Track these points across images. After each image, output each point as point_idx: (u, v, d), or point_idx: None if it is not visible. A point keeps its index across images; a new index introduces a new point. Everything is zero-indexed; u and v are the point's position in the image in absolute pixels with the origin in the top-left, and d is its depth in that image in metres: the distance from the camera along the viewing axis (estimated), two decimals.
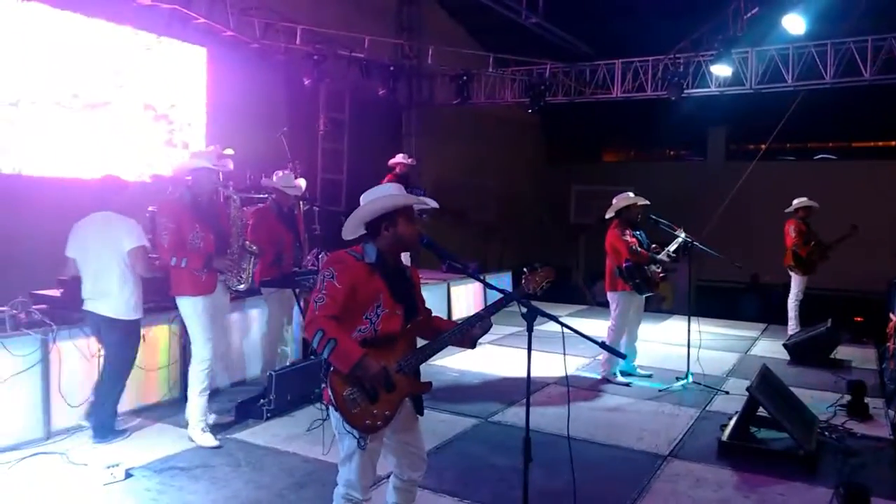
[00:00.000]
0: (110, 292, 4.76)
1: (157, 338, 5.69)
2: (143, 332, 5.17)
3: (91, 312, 4.83)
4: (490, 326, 3.10)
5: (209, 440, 4.85)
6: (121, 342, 4.88)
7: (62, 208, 6.96)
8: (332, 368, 2.84)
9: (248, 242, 5.16)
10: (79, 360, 5.04)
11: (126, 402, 5.37)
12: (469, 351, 6.87)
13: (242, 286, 5.06)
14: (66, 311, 5.09)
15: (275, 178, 6.14)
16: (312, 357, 5.96)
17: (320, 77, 9.98)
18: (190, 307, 4.84)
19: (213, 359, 4.93)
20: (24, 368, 4.69)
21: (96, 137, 7.72)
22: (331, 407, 2.91)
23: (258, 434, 5.09)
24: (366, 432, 2.87)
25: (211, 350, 4.88)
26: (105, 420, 4.89)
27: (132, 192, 5.23)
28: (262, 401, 5.43)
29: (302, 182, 6.58)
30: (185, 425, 5.02)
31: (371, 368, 2.79)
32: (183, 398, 5.73)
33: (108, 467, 4.23)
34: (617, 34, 11.56)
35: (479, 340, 3.14)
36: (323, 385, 2.93)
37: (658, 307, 11.62)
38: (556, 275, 3.13)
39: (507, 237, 15.17)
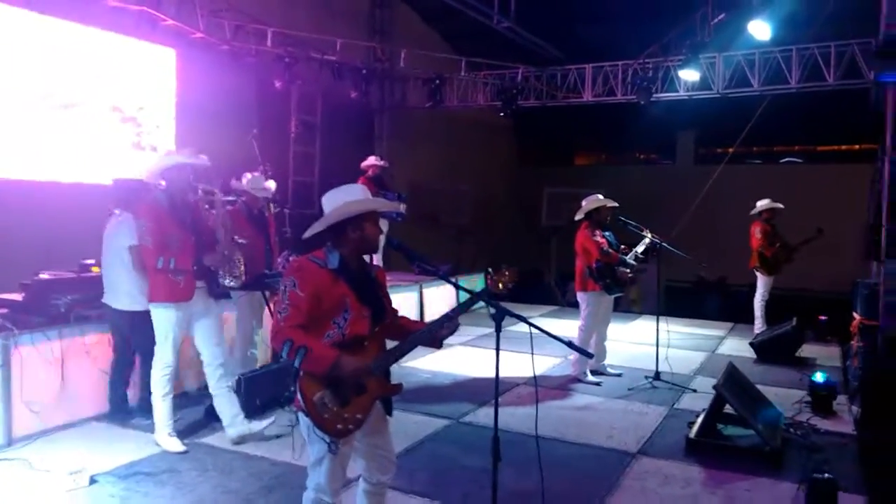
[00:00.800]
0: (119, 286, 5.13)
1: None
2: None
3: (106, 305, 5.20)
4: (457, 327, 3.09)
5: (176, 445, 4.78)
6: (131, 331, 5.22)
7: (28, 211, 6.91)
8: (301, 374, 2.81)
9: (235, 236, 5.11)
10: (41, 364, 4.94)
11: (89, 407, 5.29)
12: (440, 352, 6.86)
13: (235, 282, 4.94)
14: (29, 315, 4.99)
15: (244, 180, 6.09)
16: (281, 360, 5.90)
17: (291, 79, 9.92)
18: (162, 313, 4.72)
19: (175, 363, 4.83)
20: None
21: (64, 139, 7.59)
22: (300, 412, 2.88)
23: (225, 438, 5.01)
24: (337, 437, 2.84)
25: (174, 354, 4.77)
26: (144, 397, 5.25)
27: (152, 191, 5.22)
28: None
29: (271, 184, 6.53)
30: (149, 429, 4.94)
31: (349, 363, 2.77)
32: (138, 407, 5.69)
33: (72, 474, 4.15)
34: (587, 39, 11.71)
35: (449, 341, 3.14)
36: (292, 390, 2.90)
37: (628, 308, 11.75)
38: (520, 275, 3.13)
39: (479, 239, 15.21)
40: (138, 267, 5.04)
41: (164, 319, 4.73)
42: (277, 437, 5.01)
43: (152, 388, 4.83)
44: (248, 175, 6.19)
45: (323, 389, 2.80)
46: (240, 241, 5.14)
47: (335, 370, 2.74)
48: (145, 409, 5.20)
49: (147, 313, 4.88)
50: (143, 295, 4.94)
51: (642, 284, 11.76)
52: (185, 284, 4.68)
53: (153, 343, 4.87)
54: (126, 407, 5.43)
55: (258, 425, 4.97)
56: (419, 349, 3.12)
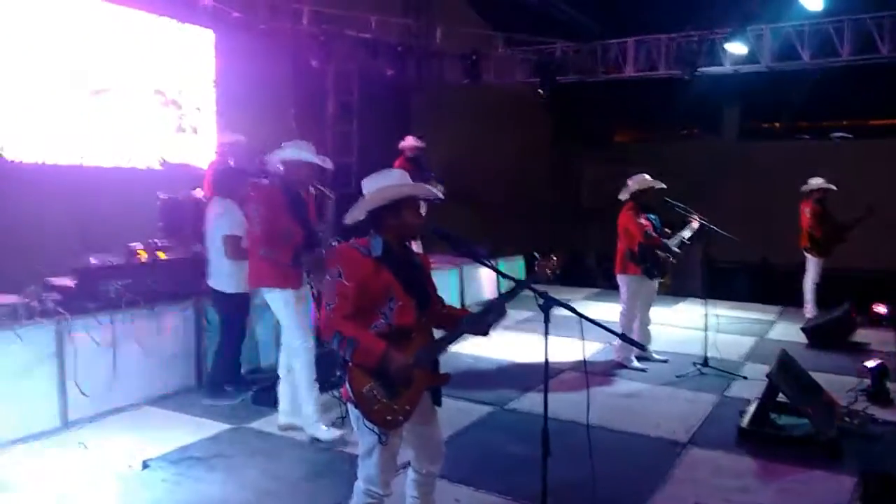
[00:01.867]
0: (219, 269, 5.38)
1: (173, 326, 5.67)
2: (164, 318, 5.58)
3: (210, 287, 5.49)
4: (505, 314, 3.05)
5: (331, 433, 4.69)
6: (226, 311, 5.52)
7: (71, 195, 7.02)
8: (350, 365, 2.81)
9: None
10: (94, 350, 5.04)
11: (141, 392, 5.38)
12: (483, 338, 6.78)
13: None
14: (81, 301, 5.07)
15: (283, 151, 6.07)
16: (326, 345, 5.91)
17: (327, 59, 9.85)
18: (280, 299, 4.67)
19: (312, 347, 4.74)
20: (40, 359, 4.68)
21: (105, 123, 7.66)
22: (350, 404, 2.88)
23: (274, 423, 5.06)
24: (387, 428, 2.83)
25: (310, 339, 4.70)
26: (214, 380, 5.50)
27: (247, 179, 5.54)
28: (277, 389, 5.40)
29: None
30: (200, 413, 5.02)
31: (396, 360, 2.76)
32: (198, 387, 5.78)
33: (125, 459, 4.23)
34: (629, 12, 11.36)
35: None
36: (338, 375, 2.90)
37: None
38: (567, 260, 3.08)
39: (517, 219, 15.06)
40: (231, 255, 5.26)
41: (281, 302, 4.66)
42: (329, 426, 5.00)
43: (298, 380, 4.74)
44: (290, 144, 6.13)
45: (371, 381, 2.79)
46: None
47: (383, 364, 2.74)
48: (212, 390, 5.47)
49: (244, 296, 5.20)
50: (242, 278, 5.16)
51: (682, 265, 11.55)
52: (295, 272, 4.62)
53: (243, 327, 5.21)
54: (221, 387, 5.52)
55: (324, 433, 4.73)
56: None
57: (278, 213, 4.54)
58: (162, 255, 5.89)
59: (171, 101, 8.44)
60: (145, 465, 4.29)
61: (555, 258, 3.01)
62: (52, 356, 4.77)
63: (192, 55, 8.69)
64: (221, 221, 5.35)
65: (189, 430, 4.91)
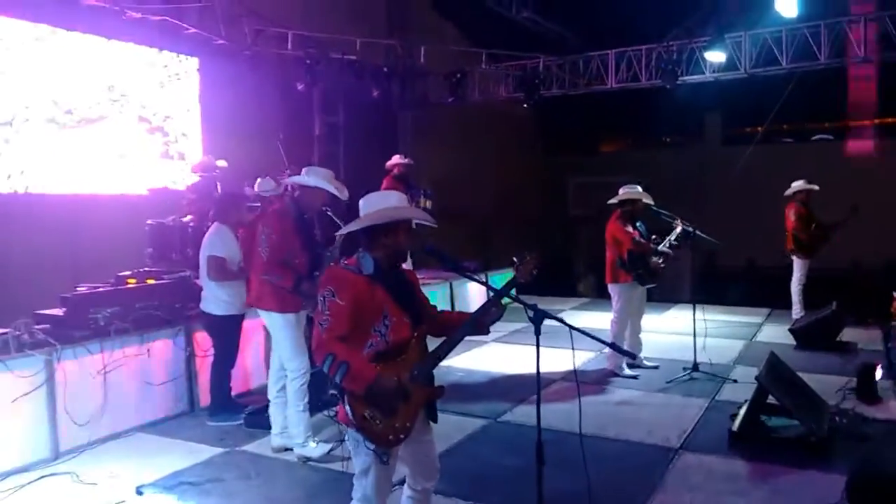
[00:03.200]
0: (210, 292, 5.48)
1: (163, 351, 5.67)
2: (154, 344, 5.59)
3: (202, 310, 5.56)
4: (502, 311, 3.06)
5: (321, 448, 4.73)
6: (217, 333, 5.59)
7: (61, 225, 7.03)
8: (347, 391, 2.79)
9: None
10: (84, 378, 5.03)
11: (133, 419, 5.37)
12: (474, 350, 6.87)
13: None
14: (70, 330, 5.07)
15: (255, 186, 6.11)
16: (317, 366, 5.92)
17: (313, 81, 9.92)
18: (279, 320, 4.72)
19: (307, 372, 4.76)
20: (30, 389, 4.67)
21: (93, 153, 7.70)
22: (349, 428, 2.86)
23: (266, 445, 5.05)
24: (389, 448, 2.84)
25: (306, 363, 4.72)
26: (216, 402, 5.56)
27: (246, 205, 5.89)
28: (269, 412, 5.40)
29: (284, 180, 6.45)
30: (193, 438, 5.00)
31: (386, 386, 2.74)
32: (191, 411, 5.78)
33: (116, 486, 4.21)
34: (609, 24, 11.51)
35: (483, 338, 3.18)
36: (339, 405, 2.88)
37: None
38: (543, 257, 3.13)
39: (507, 233, 15.12)
40: (214, 277, 5.36)
41: (281, 323, 4.71)
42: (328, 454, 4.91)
43: (289, 400, 4.77)
44: (259, 180, 6.22)
45: (370, 407, 2.78)
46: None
47: (374, 389, 2.71)
48: (215, 411, 5.54)
49: (234, 318, 5.35)
50: (234, 301, 5.41)
51: (673, 271, 11.62)
52: (294, 296, 4.67)
53: (230, 351, 5.37)
54: (223, 406, 5.58)
55: (313, 451, 4.76)
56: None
57: (287, 238, 4.58)
58: (151, 281, 5.90)
59: (157, 128, 8.49)
60: (139, 492, 4.27)
61: (530, 257, 3.06)
62: (43, 386, 4.75)
63: (178, 82, 8.75)
64: (208, 243, 5.44)
65: (182, 455, 4.90)
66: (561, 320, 2.98)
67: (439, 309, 3.27)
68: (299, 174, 4.82)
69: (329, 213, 5.10)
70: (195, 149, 8.89)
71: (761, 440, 4.87)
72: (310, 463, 4.70)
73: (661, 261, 6.61)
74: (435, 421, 3.10)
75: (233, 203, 5.71)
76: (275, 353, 4.95)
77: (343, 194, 4.72)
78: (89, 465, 4.71)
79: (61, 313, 5.24)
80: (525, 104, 11.79)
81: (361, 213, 3.02)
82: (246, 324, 6.01)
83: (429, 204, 8.97)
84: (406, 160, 9.10)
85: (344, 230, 3.08)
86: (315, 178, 4.67)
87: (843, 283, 9.24)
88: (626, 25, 11.17)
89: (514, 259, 3.09)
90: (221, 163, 7.50)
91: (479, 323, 3.02)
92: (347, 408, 2.78)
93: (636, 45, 10.80)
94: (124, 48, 8.08)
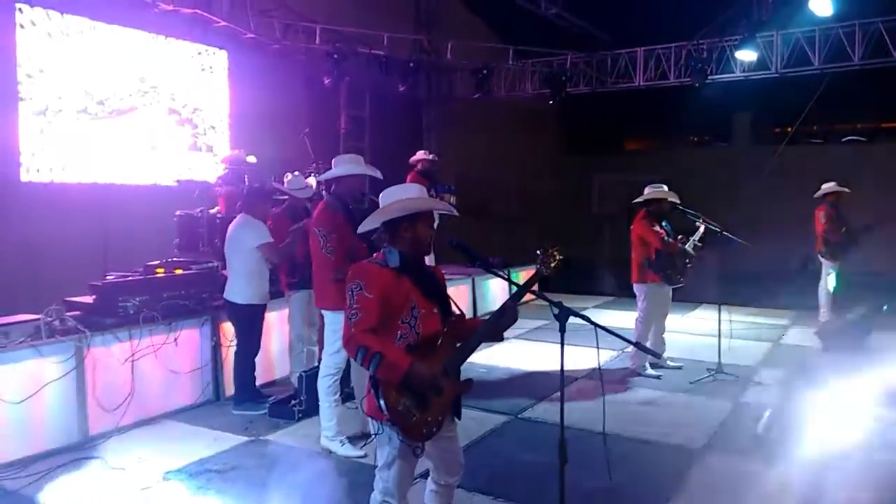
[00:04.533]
0: (233, 281, 5.58)
1: (190, 340, 5.75)
2: (181, 333, 5.66)
3: (226, 300, 5.63)
4: (516, 317, 3.05)
5: (347, 449, 4.72)
6: (240, 322, 5.66)
7: (91, 214, 7.16)
8: (381, 384, 2.77)
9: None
10: (113, 365, 5.12)
11: (159, 406, 5.46)
12: (495, 346, 6.85)
13: None
14: (100, 317, 5.17)
15: (285, 181, 6.21)
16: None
17: (340, 76, 9.97)
18: (338, 321, 4.60)
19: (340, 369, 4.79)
20: (60, 375, 4.77)
21: (123, 143, 7.82)
22: (381, 422, 2.84)
23: (290, 435, 5.12)
24: (422, 441, 2.84)
25: (343, 360, 4.73)
26: (241, 391, 5.66)
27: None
28: (292, 402, 5.47)
29: (312, 181, 6.62)
30: (217, 427, 5.09)
31: (422, 373, 2.74)
32: (216, 400, 5.87)
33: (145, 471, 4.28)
34: (638, 21, 11.41)
35: (505, 334, 3.13)
36: (369, 397, 2.89)
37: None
38: (564, 249, 3.12)
39: (530, 229, 15.08)
40: (276, 259, 5.57)
41: (337, 325, 4.59)
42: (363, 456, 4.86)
43: (323, 395, 4.79)
44: (289, 175, 6.28)
45: (404, 396, 2.78)
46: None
47: (410, 377, 2.72)
48: (240, 400, 5.64)
49: (257, 307, 5.53)
50: (259, 292, 5.55)
51: (699, 271, 11.51)
52: None
53: (254, 340, 5.53)
54: (247, 396, 5.66)
55: (339, 448, 4.77)
56: None
57: (344, 233, 4.56)
58: (178, 271, 5.99)
59: (187, 120, 8.60)
60: (165, 478, 4.35)
61: (552, 250, 3.05)
62: (73, 372, 4.85)
63: (207, 75, 8.85)
64: (247, 234, 5.52)
65: (207, 443, 4.97)
66: (587, 318, 2.97)
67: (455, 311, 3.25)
68: (326, 169, 4.84)
69: (373, 198, 5.12)
70: (223, 141, 8.99)
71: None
72: (331, 454, 4.74)
73: (687, 261, 6.56)
74: (459, 417, 3.10)
75: (260, 196, 5.81)
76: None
77: (377, 174, 4.76)
78: (117, 451, 4.80)
79: (91, 301, 5.34)
80: (551, 101, 11.74)
81: (381, 207, 3.03)
82: (269, 315, 6.09)
83: (453, 200, 8.98)
84: (431, 156, 9.11)
85: (363, 225, 3.09)
86: (344, 166, 4.71)
87: (872, 285, 9.06)
88: (655, 23, 11.07)
89: (538, 252, 3.08)
90: (251, 158, 7.60)
91: (495, 327, 3.01)
92: (381, 401, 2.76)
93: (665, 43, 10.70)
94: (155, 40, 8.20)
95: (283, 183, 6.29)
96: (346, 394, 5.59)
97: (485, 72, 11.48)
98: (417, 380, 2.74)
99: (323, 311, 4.88)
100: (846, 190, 8.43)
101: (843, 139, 16.47)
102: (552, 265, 3.06)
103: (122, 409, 5.12)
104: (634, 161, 17.16)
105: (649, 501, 4.07)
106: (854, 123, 16.41)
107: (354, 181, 4.73)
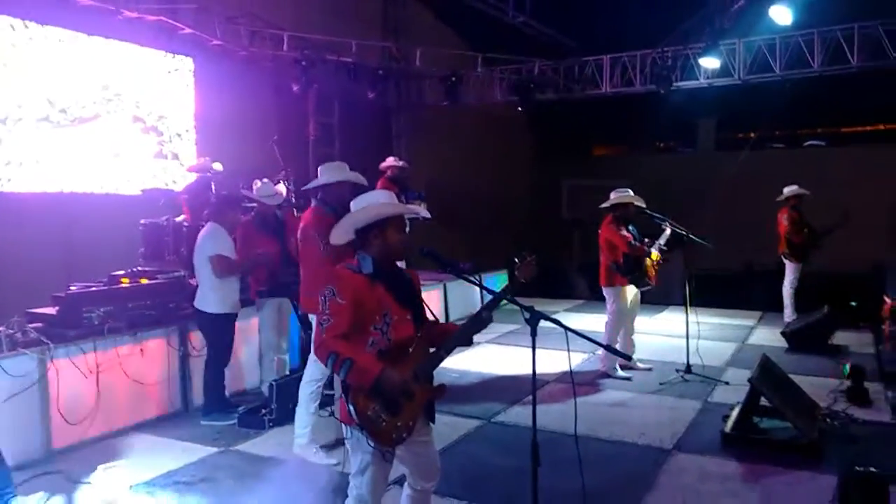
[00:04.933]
0: (203, 291, 5.52)
1: (157, 351, 5.65)
2: (148, 343, 5.56)
3: (196, 308, 5.56)
4: (489, 323, 3.04)
5: (320, 457, 4.71)
6: (210, 332, 5.59)
7: (54, 224, 7.02)
8: (351, 389, 2.78)
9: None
10: (77, 377, 5.00)
11: (126, 418, 5.35)
12: (468, 350, 6.86)
13: None
14: (63, 329, 5.05)
15: (254, 188, 6.18)
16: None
17: (309, 83, 9.93)
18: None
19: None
20: (23, 389, 4.64)
21: (87, 152, 7.68)
22: (350, 427, 2.86)
23: (260, 445, 5.06)
24: (392, 446, 2.84)
25: (322, 371, 4.72)
26: (210, 401, 5.57)
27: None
28: (263, 411, 5.41)
29: (281, 188, 6.60)
30: (186, 438, 5.01)
31: (392, 379, 2.74)
32: (184, 411, 5.77)
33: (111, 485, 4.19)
34: (604, 29, 11.59)
35: (477, 339, 3.18)
36: (341, 403, 2.88)
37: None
38: (540, 259, 3.13)
39: (500, 235, 15.16)
40: (220, 274, 5.43)
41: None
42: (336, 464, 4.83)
43: (303, 401, 4.78)
44: (258, 182, 6.24)
45: (375, 403, 2.78)
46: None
47: (379, 384, 2.72)
48: (209, 410, 5.55)
49: (227, 317, 5.48)
50: (227, 300, 5.49)
51: (666, 274, 11.67)
52: None
53: (224, 349, 5.49)
54: (217, 406, 5.59)
55: (312, 455, 4.76)
56: None
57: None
58: (144, 281, 5.90)
59: (152, 128, 8.48)
60: (132, 491, 4.26)
61: (529, 258, 3.04)
62: (35, 385, 4.73)
63: (173, 82, 8.74)
64: (207, 243, 5.48)
65: (175, 454, 4.88)
66: (557, 322, 2.99)
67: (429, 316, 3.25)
68: (296, 177, 4.84)
69: None
70: (189, 149, 8.88)
71: (753, 442, 4.89)
72: (304, 462, 4.69)
73: (654, 263, 6.65)
74: (433, 421, 3.10)
75: (228, 204, 5.76)
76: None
77: (361, 180, 4.78)
78: (82, 465, 4.69)
79: (54, 312, 5.22)
80: (520, 108, 11.84)
81: (350, 214, 3.03)
82: (240, 323, 6.02)
83: (423, 206, 8.99)
84: (400, 163, 9.12)
85: (335, 235, 3.07)
86: (330, 174, 4.73)
87: (834, 286, 9.30)
88: (621, 30, 11.24)
89: (515, 259, 3.08)
90: (217, 165, 7.53)
91: (468, 333, 3.01)
92: (351, 406, 2.77)
93: (631, 51, 10.87)
94: (120, 47, 8.07)
95: (251, 190, 6.24)
96: (322, 401, 5.57)
97: (453, 79, 11.54)
98: (388, 385, 2.74)
99: (313, 316, 4.83)
100: (807, 192, 8.65)
101: (805, 144, 16.89)
102: (529, 273, 3.05)
103: (87, 421, 5.01)
104: (602, 167, 17.38)
105: (621, 502, 4.10)
106: (815, 128, 16.84)
107: (340, 188, 4.72)
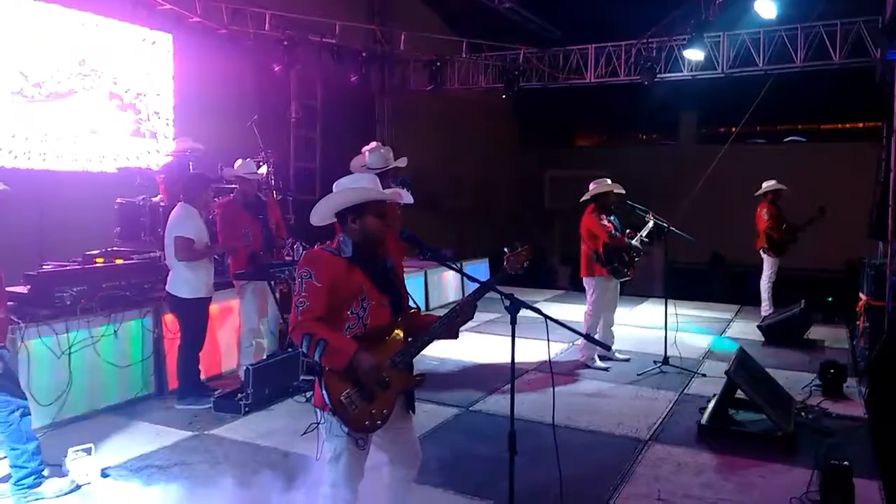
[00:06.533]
0: (175, 274, 5.41)
1: (131, 332, 5.56)
2: (121, 324, 5.47)
3: (168, 293, 5.46)
4: (472, 315, 3.01)
5: None
6: (184, 317, 5.49)
7: (27, 201, 6.83)
8: (325, 372, 2.75)
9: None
10: (49, 358, 4.91)
11: (98, 401, 5.26)
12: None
13: None
14: (35, 308, 4.94)
15: (236, 166, 6.09)
16: (290, 350, 5.87)
17: (291, 63, 9.78)
18: None
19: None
20: None
21: (60, 128, 7.48)
22: (323, 412, 2.82)
23: (236, 429, 5.01)
24: (364, 432, 2.81)
25: None
26: (184, 385, 5.49)
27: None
28: (239, 395, 5.35)
29: (263, 170, 6.53)
30: (159, 421, 4.95)
31: (367, 362, 2.71)
32: (158, 394, 5.69)
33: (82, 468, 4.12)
34: (590, 19, 11.52)
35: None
36: (301, 379, 2.86)
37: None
38: (535, 253, 3.08)
39: (482, 223, 15.15)
40: (181, 256, 5.31)
41: None
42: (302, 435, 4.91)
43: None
44: (240, 161, 6.16)
45: (348, 387, 2.75)
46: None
47: (353, 365, 2.68)
48: (183, 394, 5.49)
49: (201, 301, 5.40)
50: (201, 284, 5.41)
51: (646, 266, 11.75)
52: None
53: (196, 333, 5.42)
54: (191, 390, 5.51)
55: None
56: None
57: None
58: (119, 261, 5.78)
59: (129, 105, 8.29)
60: (104, 475, 4.19)
61: (522, 250, 2.99)
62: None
63: (151, 59, 8.55)
64: (175, 224, 5.38)
65: (149, 438, 4.82)
66: (537, 310, 2.97)
67: (411, 304, 3.20)
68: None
69: None
70: (167, 128, 8.71)
71: (729, 433, 4.94)
72: (279, 448, 4.64)
73: (635, 255, 6.66)
74: (413, 410, 3.07)
75: (200, 184, 5.62)
76: None
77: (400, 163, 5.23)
78: (53, 446, 4.59)
79: (26, 291, 5.11)
80: (504, 95, 11.79)
81: (328, 196, 2.96)
82: (214, 307, 5.94)
83: (405, 192, 8.91)
84: (383, 148, 9.02)
85: (315, 216, 3.01)
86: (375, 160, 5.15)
87: (810, 281, 9.42)
88: (606, 20, 11.19)
89: (505, 249, 3.02)
90: (197, 146, 7.38)
91: (451, 326, 2.95)
92: (324, 391, 2.74)
93: (616, 41, 10.85)
94: (97, 22, 7.86)
95: (232, 168, 6.15)
96: (296, 387, 5.53)
97: (438, 64, 11.44)
98: (361, 368, 2.70)
99: None
100: (784, 187, 8.71)
101: (785, 139, 17.03)
102: (523, 264, 3.00)
103: (58, 403, 4.91)
104: (584, 157, 17.43)
105: (597, 491, 4.11)
106: (795, 124, 16.98)
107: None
